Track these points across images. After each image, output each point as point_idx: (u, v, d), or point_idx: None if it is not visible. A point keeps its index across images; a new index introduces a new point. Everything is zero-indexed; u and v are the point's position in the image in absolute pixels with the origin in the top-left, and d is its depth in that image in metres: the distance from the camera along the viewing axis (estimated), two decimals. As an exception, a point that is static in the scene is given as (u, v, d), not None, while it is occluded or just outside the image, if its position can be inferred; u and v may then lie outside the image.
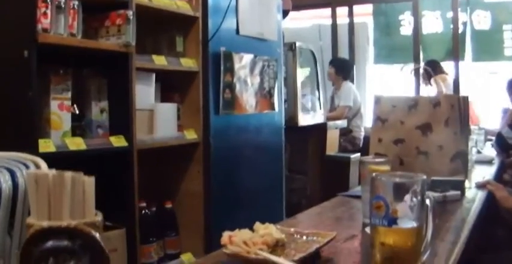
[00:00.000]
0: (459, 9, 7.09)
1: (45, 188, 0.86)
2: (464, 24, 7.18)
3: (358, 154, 6.04)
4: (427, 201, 1.24)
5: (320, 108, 6.22)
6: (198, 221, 3.62)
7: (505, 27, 7.07)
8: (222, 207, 3.75)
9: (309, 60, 6.14)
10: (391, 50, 7.73)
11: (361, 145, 6.78)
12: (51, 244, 0.81)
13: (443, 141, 2.44)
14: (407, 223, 1.18)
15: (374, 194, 1.20)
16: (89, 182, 0.90)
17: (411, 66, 6.79)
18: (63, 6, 2.64)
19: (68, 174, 0.87)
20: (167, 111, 3.45)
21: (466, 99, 2.54)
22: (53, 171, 0.87)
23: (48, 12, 2.55)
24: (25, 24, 2.53)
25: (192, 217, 3.64)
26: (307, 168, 5.99)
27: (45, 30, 2.54)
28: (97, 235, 0.84)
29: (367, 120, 6.82)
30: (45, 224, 0.83)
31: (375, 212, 1.19)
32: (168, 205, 3.56)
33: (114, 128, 3.05)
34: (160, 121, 3.36)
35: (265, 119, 4.32)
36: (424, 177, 1.22)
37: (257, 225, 1.53)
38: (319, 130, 6.00)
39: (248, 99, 4.03)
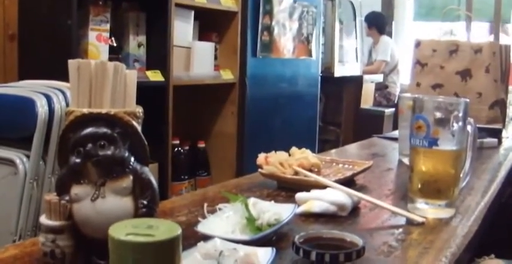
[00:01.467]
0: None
1: (87, 76, 0.85)
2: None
3: (393, 109, 5.98)
4: (469, 127, 1.21)
5: (357, 61, 6.14)
6: (230, 162, 3.63)
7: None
8: (254, 149, 3.73)
9: (349, 12, 6.03)
10: (432, 7, 7.55)
11: (396, 101, 6.70)
12: (90, 130, 0.81)
13: (482, 88, 2.38)
14: (448, 145, 1.16)
15: (415, 114, 1.17)
16: (131, 74, 0.90)
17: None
18: None
19: (111, 63, 0.86)
20: (205, 50, 3.44)
21: (508, 47, 2.47)
22: (96, 60, 0.86)
23: None
24: None
25: (225, 158, 3.65)
26: (340, 120, 5.96)
27: (87, -42, 2.52)
28: (136, 124, 0.83)
29: (404, 77, 6.72)
30: (85, 110, 0.83)
31: (415, 132, 1.17)
32: (201, 145, 3.58)
33: (151, 62, 3.04)
34: (197, 59, 3.35)
35: (302, 65, 4.28)
36: (467, 100, 1.19)
37: (293, 149, 1.52)
38: (355, 82, 5.95)
39: (286, 44, 3.99)
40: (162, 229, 0.56)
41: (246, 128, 3.69)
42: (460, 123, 1.17)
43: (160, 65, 3.04)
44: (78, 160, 0.80)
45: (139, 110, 0.87)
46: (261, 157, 1.44)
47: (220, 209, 1.04)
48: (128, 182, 0.81)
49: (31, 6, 2.69)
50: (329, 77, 5.32)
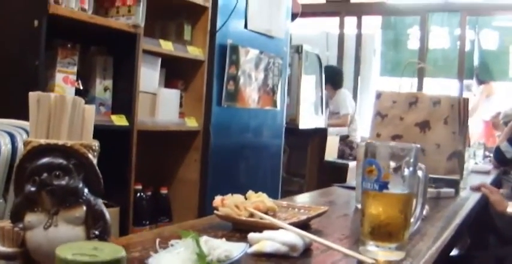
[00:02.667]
0: (467, 27, 7.12)
1: (46, 108, 0.87)
2: (472, 42, 7.21)
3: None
4: (419, 173, 1.26)
5: (322, 113, 6.23)
6: (192, 208, 3.63)
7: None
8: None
9: (315, 65, 6.15)
10: (397, 63, 7.76)
11: (358, 149, 6.77)
12: (46, 160, 0.83)
13: (441, 140, 2.45)
14: (398, 189, 1.19)
15: (367, 159, 1.21)
16: (89, 109, 0.92)
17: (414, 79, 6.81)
18: (76, -20, 2.66)
19: (70, 97, 0.89)
20: (170, 97, 3.48)
21: (466, 100, 2.56)
22: (55, 94, 0.89)
23: (61, -16, 2.57)
24: (37, -6, 2.56)
25: (187, 204, 3.65)
26: (305, 172, 6.01)
27: (56, 1, 2.57)
28: (91, 156, 0.86)
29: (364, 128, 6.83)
30: (42, 141, 0.85)
31: (367, 176, 1.21)
32: (164, 191, 3.58)
33: (116, 107, 3.07)
34: (162, 106, 3.38)
35: (266, 116, 4.34)
36: (418, 146, 1.23)
37: (250, 192, 1.55)
38: (320, 135, 6.01)
39: (251, 94, 4.06)
40: (107, 251, 0.58)
41: (209, 176, 3.70)
42: (411, 168, 1.21)
43: (126, 110, 3.06)
44: (33, 188, 0.82)
45: (95, 143, 0.89)
46: (217, 199, 1.47)
47: (172, 245, 1.05)
48: (80, 211, 0.83)
49: (0, 45, 2.72)
50: (294, 129, 5.38)
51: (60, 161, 0.83)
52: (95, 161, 0.87)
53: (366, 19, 8.13)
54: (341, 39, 8.21)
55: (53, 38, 2.69)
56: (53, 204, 0.82)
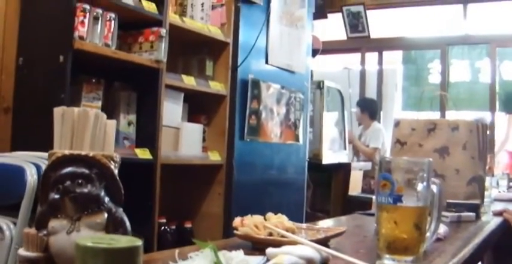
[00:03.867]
0: (488, 59, 7.15)
1: (70, 122, 0.93)
2: (492, 74, 7.22)
3: (381, 196, 6.02)
4: (433, 187, 1.28)
5: (345, 149, 6.26)
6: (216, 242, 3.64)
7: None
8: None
9: (337, 100, 6.21)
10: (419, 97, 7.78)
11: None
12: (69, 169, 0.87)
13: (460, 165, 2.46)
14: (412, 202, 1.22)
15: (381, 173, 1.24)
16: (111, 123, 0.97)
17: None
18: (100, 17, 2.76)
19: (92, 111, 0.94)
20: (193, 131, 3.53)
21: (485, 125, 2.58)
22: (79, 108, 0.94)
23: (86, 21, 2.67)
24: (63, 30, 2.66)
25: (211, 238, 3.63)
26: (329, 208, 6.00)
27: (81, 37, 2.65)
28: (112, 167, 0.90)
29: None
30: (66, 152, 0.89)
31: (381, 190, 1.23)
32: (188, 225, 3.60)
33: (140, 141, 3.13)
34: (185, 140, 3.44)
35: (289, 150, 4.38)
36: (430, 159, 1.26)
37: (269, 214, 1.58)
38: (343, 170, 6.02)
39: (273, 128, 4.10)
40: (124, 241, 0.62)
41: (232, 210, 3.73)
42: (425, 183, 1.24)
43: (149, 144, 3.12)
44: (56, 196, 0.86)
45: (116, 155, 0.94)
46: (237, 220, 1.50)
47: (191, 256, 1.08)
48: (101, 218, 0.87)
49: (27, 80, 2.81)
50: (317, 164, 5.41)
51: (83, 170, 0.88)
52: (116, 172, 0.91)
53: (386, 54, 8.18)
54: (363, 75, 8.27)
55: (79, 73, 2.78)
56: (76, 211, 0.86)
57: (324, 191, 5.99)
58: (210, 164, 3.63)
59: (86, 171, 0.88)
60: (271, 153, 4.15)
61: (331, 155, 5.78)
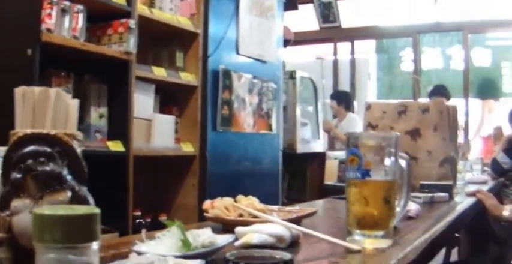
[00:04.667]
0: (460, 46, 7.21)
1: (30, 101, 0.91)
2: (465, 61, 7.28)
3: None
4: (402, 161, 1.29)
5: (319, 138, 6.28)
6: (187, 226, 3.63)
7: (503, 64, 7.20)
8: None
9: (310, 90, 6.23)
10: (392, 86, 7.83)
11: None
12: (31, 148, 0.86)
13: (432, 147, 2.48)
14: (380, 176, 1.22)
15: (349, 149, 1.24)
16: (73, 102, 0.96)
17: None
18: (67, 9, 2.73)
19: (53, 90, 0.93)
20: (165, 123, 3.52)
21: (454, 108, 2.60)
22: (40, 87, 0.93)
23: (53, 13, 2.64)
24: (30, 23, 2.62)
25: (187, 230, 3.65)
26: (305, 197, 6.01)
27: (48, 30, 2.63)
28: (75, 145, 0.89)
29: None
30: (27, 131, 0.88)
31: (349, 165, 1.23)
32: (163, 217, 3.58)
33: (112, 134, 3.11)
34: (158, 131, 3.42)
35: (262, 140, 4.38)
36: (398, 134, 1.26)
37: (240, 196, 1.58)
38: (318, 159, 6.04)
39: (246, 118, 4.10)
40: (82, 209, 0.62)
41: (207, 200, 3.71)
42: (392, 157, 1.24)
43: (121, 136, 3.10)
44: (18, 175, 0.85)
45: (79, 133, 0.93)
46: (207, 202, 1.50)
47: (158, 237, 1.08)
48: (64, 196, 0.86)
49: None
50: (292, 154, 5.42)
51: (45, 148, 0.86)
52: (78, 150, 0.90)
53: (358, 44, 8.21)
54: (335, 65, 8.29)
55: (47, 67, 2.75)
56: (38, 190, 0.85)
57: (299, 180, 6.01)
58: (183, 155, 3.62)
59: (48, 149, 0.87)
60: (244, 143, 4.15)
61: (305, 145, 5.80)
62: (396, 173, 1.25)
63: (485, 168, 4.85)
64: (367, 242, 1.23)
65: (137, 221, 3.36)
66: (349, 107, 6.91)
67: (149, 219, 3.47)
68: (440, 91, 6.78)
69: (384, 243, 1.23)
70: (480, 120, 7.20)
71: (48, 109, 0.91)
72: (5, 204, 0.87)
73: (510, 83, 7.23)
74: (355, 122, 6.77)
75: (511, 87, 7.23)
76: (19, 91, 0.92)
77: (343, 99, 6.83)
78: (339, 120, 6.96)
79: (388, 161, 1.24)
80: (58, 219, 0.58)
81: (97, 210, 0.60)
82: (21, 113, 0.91)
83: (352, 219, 1.25)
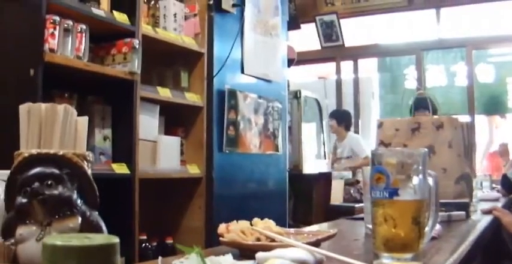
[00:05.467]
0: (463, 62, 7.16)
1: (37, 118, 0.85)
2: (469, 77, 7.22)
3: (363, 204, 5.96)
4: (430, 179, 1.21)
5: (325, 158, 6.20)
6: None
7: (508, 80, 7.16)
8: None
9: (314, 109, 6.18)
10: (396, 104, 7.76)
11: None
12: (37, 170, 0.79)
13: (446, 164, 2.40)
14: (409, 195, 1.15)
15: (374, 167, 1.17)
16: (82, 120, 0.89)
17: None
18: (70, 28, 2.67)
19: (61, 106, 0.86)
20: (171, 144, 3.45)
21: (469, 124, 2.53)
22: (46, 104, 0.86)
23: (56, 33, 2.58)
24: (32, 43, 2.57)
25: (193, 253, 3.56)
26: (311, 219, 5.92)
27: (52, 50, 2.57)
28: (85, 166, 0.82)
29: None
30: (33, 151, 0.81)
31: (375, 184, 1.16)
32: (169, 240, 3.50)
33: (116, 156, 3.04)
34: (163, 153, 3.35)
35: (269, 160, 4.30)
36: (426, 150, 1.19)
37: (256, 219, 1.50)
38: (324, 179, 5.95)
39: (252, 139, 4.03)
40: (99, 238, 0.54)
41: (214, 223, 3.63)
42: (420, 175, 1.17)
43: (126, 158, 3.03)
44: (24, 200, 0.78)
45: (89, 153, 0.86)
46: (222, 226, 1.41)
47: (175, 264, 1.00)
48: (75, 222, 0.79)
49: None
50: (298, 175, 5.35)
51: (52, 170, 0.79)
52: (89, 172, 0.83)
53: (361, 63, 8.15)
54: (339, 84, 8.21)
55: (50, 88, 2.68)
56: (46, 215, 0.78)
57: (305, 201, 5.92)
58: (189, 178, 3.54)
59: (56, 171, 0.79)
60: (251, 164, 4.07)
61: (311, 165, 5.72)
62: (425, 192, 1.18)
63: (494, 185, 4.77)
64: (396, 265, 1.15)
65: (143, 245, 3.27)
66: (349, 127, 6.84)
67: (155, 243, 3.39)
68: (422, 104, 6.67)
69: (414, 266, 1.16)
70: (489, 138, 7.13)
71: (56, 127, 0.84)
72: (9, 231, 0.79)
73: (515, 98, 7.18)
74: (358, 141, 6.69)
75: (516, 102, 7.17)
76: (24, 108, 0.85)
77: (344, 119, 6.74)
78: (339, 140, 6.86)
79: (415, 179, 1.16)
80: (73, 250, 0.50)
81: (116, 240, 0.53)
82: (27, 132, 0.84)
83: (379, 241, 1.18)
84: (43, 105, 0.85)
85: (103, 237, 0.55)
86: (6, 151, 2.44)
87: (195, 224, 3.61)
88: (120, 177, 2.95)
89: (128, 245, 3.01)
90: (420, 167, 1.17)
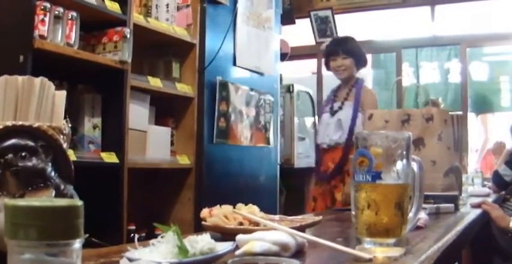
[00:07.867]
0: (457, 60, 7.15)
1: (13, 91, 0.83)
2: (463, 75, 7.21)
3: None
4: (414, 164, 1.20)
5: (317, 153, 6.18)
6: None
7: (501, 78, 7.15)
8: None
9: (307, 104, 6.15)
10: (389, 101, 7.73)
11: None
12: (12, 141, 0.78)
13: (436, 156, 2.40)
14: (392, 179, 1.14)
15: (358, 150, 1.16)
16: (60, 94, 0.88)
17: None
18: (61, 15, 2.65)
19: (38, 79, 0.85)
20: (161, 135, 3.43)
21: (460, 116, 2.53)
22: (23, 76, 0.85)
23: (46, 19, 2.56)
24: (22, 29, 2.54)
25: (182, 245, 3.55)
26: (302, 212, 5.91)
27: (42, 36, 2.55)
28: (61, 139, 0.80)
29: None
30: (8, 123, 0.80)
31: (358, 168, 1.15)
32: (158, 231, 3.47)
33: (106, 145, 3.02)
34: (153, 143, 3.33)
35: (260, 153, 4.29)
36: (410, 133, 1.18)
37: (239, 205, 1.49)
38: (315, 174, 5.94)
39: (243, 131, 4.01)
40: (62, 201, 0.53)
41: (204, 215, 3.62)
42: (404, 160, 1.16)
43: (116, 147, 3.01)
44: (-3, 171, 0.76)
45: (65, 126, 0.84)
46: (205, 210, 1.41)
47: (153, 244, 0.99)
48: (48, 195, 0.77)
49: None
50: (289, 169, 5.33)
51: (27, 141, 0.78)
52: (64, 145, 0.82)
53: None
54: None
55: (40, 75, 2.66)
56: (19, 187, 0.77)
57: (296, 196, 5.90)
58: (179, 168, 3.53)
59: (31, 143, 0.78)
60: (241, 156, 4.06)
61: (303, 159, 5.71)
62: (408, 177, 1.17)
63: (485, 183, 4.78)
64: (378, 250, 1.14)
65: (132, 235, 3.26)
66: None
67: (144, 234, 3.37)
68: None
69: (396, 251, 1.15)
70: (484, 135, 7.13)
71: (32, 99, 0.83)
72: (-18, 204, 0.78)
73: (508, 97, 7.17)
74: None
75: (509, 101, 7.16)
76: (1, 80, 0.84)
77: None
78: None
79: (399, 164, 1.15)
80: (34, 211, 0.49)
81: (80, 203, 0.52)
82: (3, 104, 0.83)
83: (361, 226, 1.17)
84: (20, 78, 0.84)
85: (66, 201, 0.54)
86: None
87: (184, 216, 3.59)
88: (109, 166, 2.94)
89: (116, 234, 2.99)
90: (404, 152, 1.16)
